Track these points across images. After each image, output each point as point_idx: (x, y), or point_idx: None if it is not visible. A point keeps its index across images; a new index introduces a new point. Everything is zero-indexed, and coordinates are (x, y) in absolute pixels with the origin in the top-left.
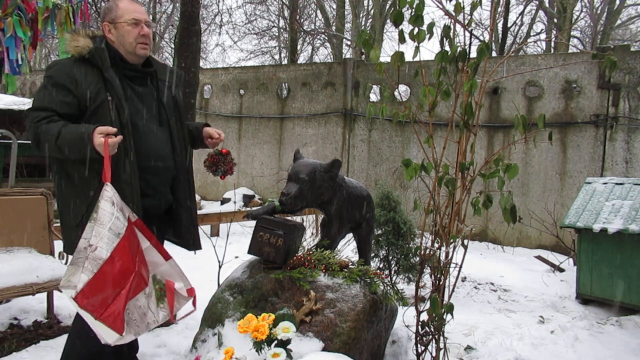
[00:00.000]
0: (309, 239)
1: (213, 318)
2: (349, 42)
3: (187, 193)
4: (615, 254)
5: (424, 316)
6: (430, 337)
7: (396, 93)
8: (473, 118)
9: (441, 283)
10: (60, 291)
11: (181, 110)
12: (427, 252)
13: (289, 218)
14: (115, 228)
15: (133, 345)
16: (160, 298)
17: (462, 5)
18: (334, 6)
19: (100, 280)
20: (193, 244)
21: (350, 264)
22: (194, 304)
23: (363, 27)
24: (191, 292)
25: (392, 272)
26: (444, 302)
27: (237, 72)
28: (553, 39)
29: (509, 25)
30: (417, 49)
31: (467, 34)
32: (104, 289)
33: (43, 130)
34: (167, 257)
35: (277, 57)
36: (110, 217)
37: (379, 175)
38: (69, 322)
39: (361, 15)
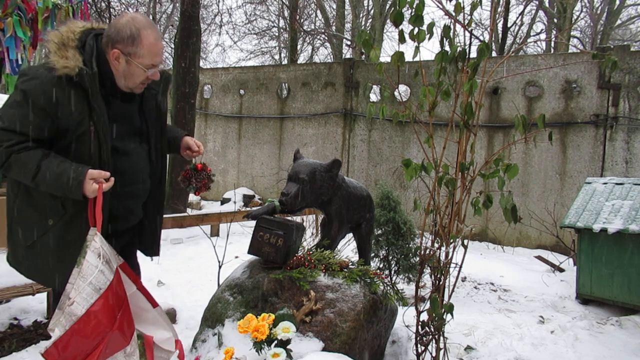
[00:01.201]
0: (309, 239)
1: (213, 318)
2: (349, 42)
3: (157, 207)
4: (615, 254)
5: (424, 316)
6: (430, 337)
7: (396, 93)
8: (473, 118)
9: (441, 283)
10: None
11: (163, 119)
12: (427, 252)
13: (289, 218)
14: (97, 282)
15: None
16: (142, 354)
17: (462, 6)
18: (334, 6)
19: (70, 338)
20: (152, 251)
21: (350, 264)
22: (180, 357)
23: (363, 27)
24: (178, 344)
25: (392, 272)
26: (444, 302)
27: (237, 72)
28: (553, 39)
29: (509, 25)
30: (417, 49)
31: (467, 34)
32: (74, 347)
33: (17, 160)
34: (154, 304)
35: (277, 57)
36: (93, 270)
37: (379, 175)
38: None
39: (361, 15)
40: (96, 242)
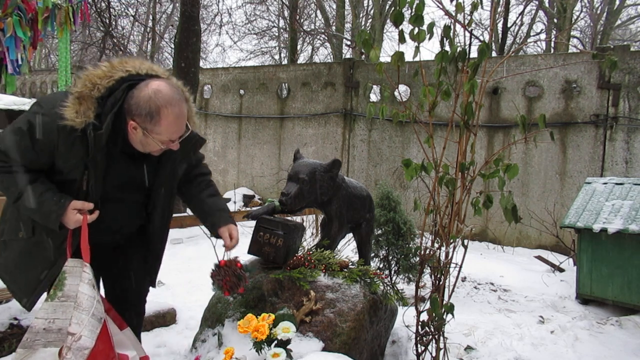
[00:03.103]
0: (309, 239)
1: (213, 318)
2: (349, 42)
3: (160, 246)
4: (615, 254)
5: (424, 316)
6: (430, 337)
7: (396, 93)
8: (473, 118)
9: (441, 283)
10: None
11: (177, 178)
12: (427, 252)
13: (289, 218)
14: (97, 313)
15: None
16: None
17: (462, 6)
18: (334, 6)
19: None
20: (151, 283)
21: (350, 264)
22: None
23: (363, 27)
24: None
25: (392, 272)
26: (444, 302)
27: (237, 72)
28: (553, 39)
29: (509, 25)
30: (417, 49)
31: (467, 34)
32: None
33: (2, 180)
34: (122, 326)
35: (277, 57)
36: (92, 301)
37: (379, 175)
38: None
39: (361, 15)
40: (87, 273)
